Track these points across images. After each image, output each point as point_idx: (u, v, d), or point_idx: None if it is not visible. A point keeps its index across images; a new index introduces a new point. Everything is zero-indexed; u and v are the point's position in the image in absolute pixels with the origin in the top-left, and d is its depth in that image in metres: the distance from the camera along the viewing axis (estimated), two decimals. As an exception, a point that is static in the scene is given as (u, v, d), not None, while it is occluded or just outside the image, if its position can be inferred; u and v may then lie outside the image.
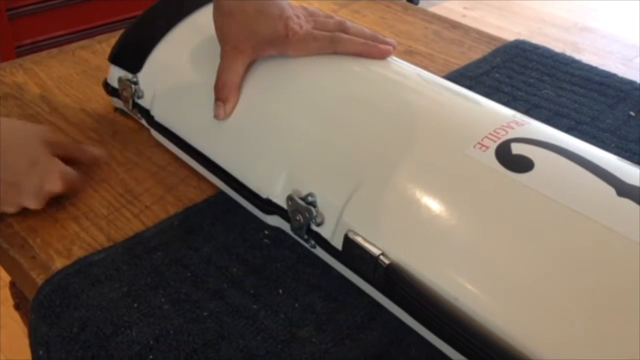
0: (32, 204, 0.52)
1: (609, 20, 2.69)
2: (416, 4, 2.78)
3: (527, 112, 0.70)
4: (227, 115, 0.55)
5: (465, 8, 2.83)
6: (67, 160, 0.55)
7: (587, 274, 0.38)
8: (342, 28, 0.57)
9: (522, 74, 0.77)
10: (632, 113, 0.70)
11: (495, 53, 0.82)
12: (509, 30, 2.63)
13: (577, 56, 0.84)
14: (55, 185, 0.52)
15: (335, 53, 0.56)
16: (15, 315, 0.83)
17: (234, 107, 0.55)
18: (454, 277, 0.41)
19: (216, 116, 0.55)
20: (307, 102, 0.52)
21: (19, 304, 0.79)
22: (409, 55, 0.82)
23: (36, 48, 1.58)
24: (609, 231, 0.38)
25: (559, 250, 0.39)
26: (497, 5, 2.85)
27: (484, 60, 0.80)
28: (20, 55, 1.56)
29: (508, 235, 0.41)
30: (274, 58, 0.56)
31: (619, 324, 0.36)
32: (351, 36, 0.56)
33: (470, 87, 0.73)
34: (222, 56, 0.55)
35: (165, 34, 0.62)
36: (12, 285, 0.78)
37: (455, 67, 0.79)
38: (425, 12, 0.94)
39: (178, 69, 0.60)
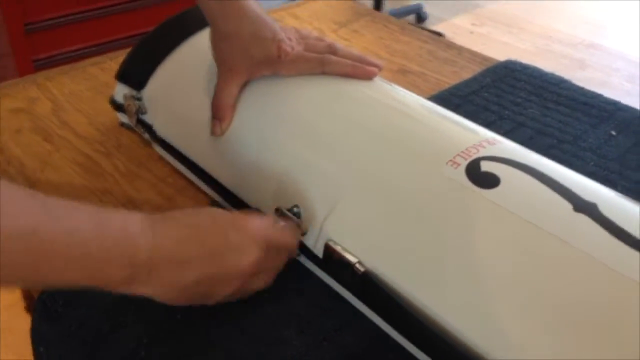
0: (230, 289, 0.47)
1: (616, 38, 2.71)
2: (423, 20, 2.83)
3: (512, 130, 0.73)
4: (223, 133, 0.58)
5: (473, 24, 2.87)
6: None
7: (540, 283, 0.41)
8: (332, 50, 0.61)
9: (510, 93, 0.81)
10: (613, 133, 0.73)
11: (485, 73, 0.86)
12: (515, 46, 2.66)
13: (583, 73, 0.87)
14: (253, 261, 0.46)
15: (324, 73, 0.60)
16: (24, 318, 0.87)
17: (229, 125, 0.58)
18: (423, 286, 0.44)
19: (213, 133, 0.59)
20: (293, 123, 0.56)
21: (30, 306, 0.83)
22: (402, 74, 0.86)
23: (53, 62, 1.64)
24: (563, 244, 0.42)
25: (517, 262, 0.42)
26: (504, 22, 2.88)
27: (474, 79, 0.84)
28: (37, 68, 1.62)
29: (473, 248, 0.44)
30: (267, 79, 0.59)
31: (568, 327, 0.39)
32: (339, 58, 0.60)
33: (458, 106, 0.77)
34: (219, 77, 0.59)
35: (168, 55, 0.66)
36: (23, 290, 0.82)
37: (446, 86, 0.83)
38: (421, 33, 0.98)
39: (179, 87, 0.64)
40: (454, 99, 0.79)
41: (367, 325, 0.48)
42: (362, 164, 0.51)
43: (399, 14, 2.78)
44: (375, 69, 0.60)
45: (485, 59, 0.91)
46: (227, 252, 0.44)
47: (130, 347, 0.46)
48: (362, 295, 0.48)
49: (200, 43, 0.65)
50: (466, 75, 0.86)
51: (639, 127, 0.74)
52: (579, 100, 0.79)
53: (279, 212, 0.52)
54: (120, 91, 0.69)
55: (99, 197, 0.61)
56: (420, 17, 2.86)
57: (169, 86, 0.65)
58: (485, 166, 0.48)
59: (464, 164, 0.48)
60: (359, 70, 0.60)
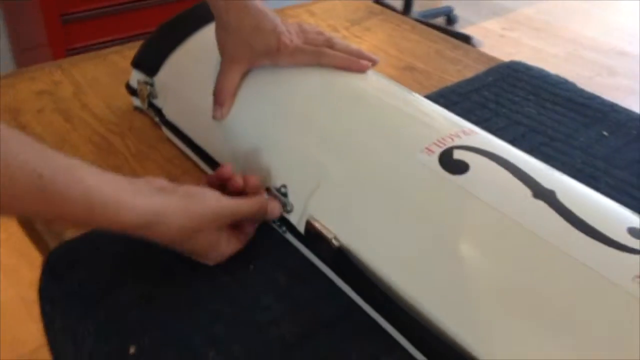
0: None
1: (647, 46, 2.68)
2: (453, 22, 2.84)
3: (506, 127, 0.76)
4: (223, 117, 0.63)
5: (503, 29, 2.87)
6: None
7: (494, 263, 0.44)
8: (329, 44, 0.65)
9: (510, 92, 0.83)
10: (605, 133, 0.76)
11: (488, 72, 0.88)
12: (545, 51, 2.66)
13: (612, 80, 0.88)
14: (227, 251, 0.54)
15: (321, 65, 0.63)
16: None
17: (229, 110, 0.63)
18: (391, 262, 0.48)
19: (214, 117, 0.63)
20: (285, 111, 0.60)
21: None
22: (408, 70, 0.89)
23: (86, 52, 1.71)
24: (519, 227, 0.45)
25: (476, 243, 0.46)
26: (535, 27, 2.87)
27: (476, 78, 0.87)
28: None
29: (437, 229, 0.47)
30: (266, 69, 0.64)
31: (517, 302, 0.42)
32: (335, 52, 0.64)
33: (457, 102, 0.80)
34: (221, 66, 0.63)
35: (178, 45, 0.71)
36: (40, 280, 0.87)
37: (449, 83, 0.86)
38: (431, 33, 1.01)
39: (187, 75, 0.69)
40: (454, 96, 0.82)
41: (341, 297, 0.52)
42: (344, 149, 0.54)
43: (428, 16, 2.80)
44: (368, 63, 0.64)
45: (490, 59, 0.93)
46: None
47: (125, 305, 0.51)
48: (336, 268, 0.52)
49: (207, 35, 0.70)
50: (470, 74, 0.89)
51: (631, 129, 0.76)
52: (576, 101, 0.81)
53: (268, 191, 0.57)
54: (135, 77, 0.74)
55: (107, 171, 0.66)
56: (450, 20, 2.88)
57: (178, 73, 0.70)
58: (458, 154, 0.51)
59: (438, 151, 0.51)
60: (352, 64, 0.63)
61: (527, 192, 0.47)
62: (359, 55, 0.65)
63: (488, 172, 0.49)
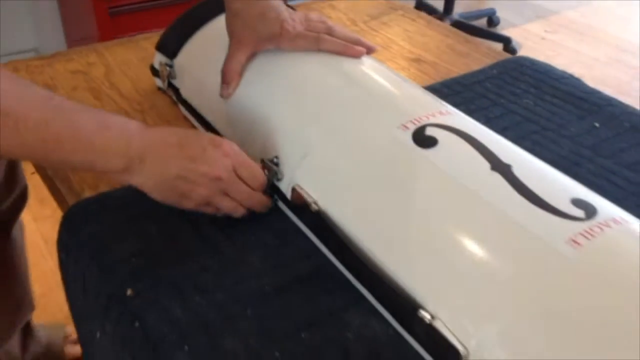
0: (203, 191, 0.58)
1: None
2: (495, 24, 2.84)
3: (502, 115, 0.80)
4: (230, 95, 0.69)
5: (545, 31, 2.85)
6: None
7: (451, 227, 0.49)
8: (329, 31, 0.70)
9: (512, 84, 0.87)
10: (597, 124, 0.79)
11: (494, 65, 0.92)
12: (586, 54, 2.64)
13: None
14: (221, 171, 0.57)
15: (320, 50, 0.69)
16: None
17: (235, 89, 0.69)
18: (360, 224, 0.53)
19: (221, 95, 0.69)
20: (279, 90, 0.66)
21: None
22: (417, 62, 0.94)
23: (129, 10, 1.79)
24: (474, 195, 0.49)
25: (436, 208, 0.50)
26: (578, 30, 2.85)
27: (481, 71, 0.91)
28: (112, 16, 1.77)
29: (403, 195, 0.52)
30: (268, 52, 0.69)
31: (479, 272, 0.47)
32: (333, 38, 0.69)
33: (459, 92, 0.85)
34: (229, 48, 0.70)
35: (196, 31, 0.78)
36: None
37: (454, 75, 0.90)
38: (445, 27, 1.05)
39: (201, 58, 0.75)
40: (457, 86, 0.86)
41: (317, 256, 0.58)
42: (329, 125, 0.60)
43: (470, 17, 2.81)
44: (362, 49, 0.69)
45: (499, 54, 0.97)
46: (201, 160, 0.56)
47: (126, 255, 0.58)
48: (314, 230, 0.57)
49: (220, 23, 0.76)
50: (477, 67, 0.92)
51: (624, 121, 0.79)
52: (574, 95, 0.84)
53: (263, 162, 0.62)
54: (158, 59, 0.81)
55: (127, 143, 0.73)
56: (492, 22, 2.88)
57: (194, 57, 0.76)
58: (429, 131, 0.56)
59: (413, 128, 0.56)
60: (348, 49, 0.68)
61: (487, 165, 0.51)
62: (356, 43, 0.70)
63: (454, 147, 0.54)
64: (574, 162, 0.71)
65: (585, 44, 2.74)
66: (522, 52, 2.67)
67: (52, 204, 0.74)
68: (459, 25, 2.69)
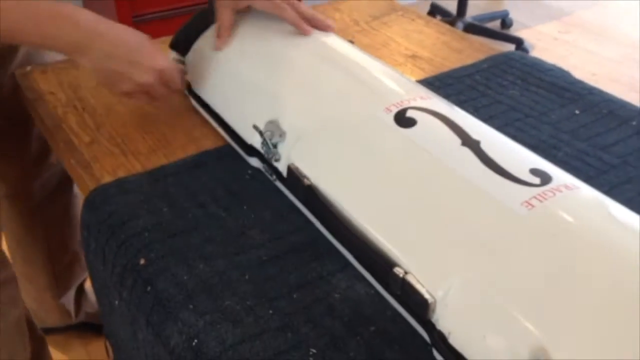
0: (142, 77, 0.74)
1: None
2: (509, 26, 2.88)
3: (489, 105, 0.86)
4: (223, 47, 0.80)
5: (559, 32, 2.89)
6: None
7: (418, 194, 0.55)
8: (293, 5, 0.79)
9: (500, 77, 0.93)
10: (577, 112, 0.84)
11: (486, 60, 0.98)
12: (599, 54, 2.67)
13: None
14: (160, 63, 0.75)
15: (280, 17, 0.79)
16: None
17: (227, 41, 0.80)
18: (346, 196, 0.60)
19: (216, 48, 0.80)
20: (272, 79, 0.73)
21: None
22: (413, 58, 1.00)
23: (152, 18, 1.87)
24: (445, 167, 0.55)
25: (413, 179, 0.57)
26: (591, 30, 2.88)
27: (473, 65, 0.96)
28: (136, 24, 1.85)
29: (384, 168, 0.59)
30: (268, 43, 0.77)
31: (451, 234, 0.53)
32: (292, 12, 0.78)
33: (450, 84, 0.91)
34: (216, 8, 0.81)
35: (203, 31, 0.85)
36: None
37: (447, 69, 0.96)
38: (442, 26, 1.11)
39: (206, 55, 0.83)
40: (448, 79, 0.92)
41: (310, 229, 0.64)
42: (321, 109, 0.66)
43: (483, 19, 2.86)
44: (310, 29, 0.78)
45: (491, 49, 1.03)
46: (134, 65, 0.72)
47: (139, 230, 0.65)
48: (307, 203, 0.64)
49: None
50: (470, 62, 0.98)
51: (602, 108, 0.84)
52: (558, 85, 0.90)
53: (264, 144, 0.69)
54: (171, 57, 0.88)
55: (142, 135, 0.80)
56: (505, 23, 2.92)
57: (201, 54, 0.84)
58: (410, 113, 0.62)
59: (395, 110, 0.63)
60: (300, 25, 0.78)
61: (458, 141, 0.58)
62: (311, 20, 0.79)
63: (430, 126, 0.60)
64: (553, 146, 0.77)
65: (598, 43, 2.77)
66: (534, 53, 2.71)
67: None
68: (472, 27, 2.74)
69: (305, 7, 0.80)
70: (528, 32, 2.87)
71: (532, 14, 3.05)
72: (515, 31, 2.88)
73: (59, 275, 1.15)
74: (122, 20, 1.84)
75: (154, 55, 0.74)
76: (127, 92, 0.75)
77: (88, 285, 1.26)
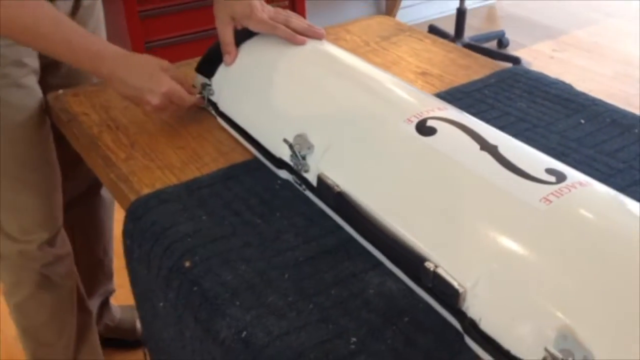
0: (153, 99, 0.84)
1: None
2: (505, 46, 2.96)
3: (499, 117, 0.91)
4: (232, 62, 0.89)
5: (554, 50, 2.97)
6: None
7: (443, 195, 0.60)
8: (287, 22, 0.88)
9: (507, 91, 0.98)
10: (582, 121, 0.89)
11: (492, 75, 1.03)
12: (594, 71, 2.74)
13: None
14: (165, 87, 0.84)
15: (275, 35, 0.88)
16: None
17: (235, 57, 0.89)
18: (376, 199, 0.65)
19: (225, 63, 0.88)
20: (298, 96, 0.78)
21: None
22: (423, 75, 1.06)
23: (162, 45, 1.94)
24: (465, 170, 0.61)
25: (436, 183, 0.62)
26: (585, 48, 2.96)
27: (480, 80, 1.02)
28: (147, 50, 1.91)
29: (409, 173, 0.64)
30: (287, 64, 0.82)
31: (468, 230, 0.58)
32: (284, 28, 0.87)
33: (460, 99, 0.96)
34: (218, 27, 0.90)
35: (228, 53, 0.91)
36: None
37: (457, 84, 1.01)
38: (448, 45, 1.17)
39: (232, 77, 0.88)
40: (458, 93, 0.98)
41: (341, 232, 0.69)
42: (347, 124, 0.72)
43: (480, 39, 2.94)
44: (304, 39, 0.87)
45: (496, 65, 1.08)
46: (146, 92, 0.84)
47: (182, 235, 0.69)
48: (337, 209, 0.69)
49: (247, 48, 0.90)
50: (476, 77, 1.04)
51: (606, 118, 0.89)
52: (562, 97, 0.95)
53: (293, 158, 0.74)
54: (198, 80, 0.94)
55: (174, 150, 0.86)
56: (502, 43, 3.00)
57: (225, 76, 0.89)
58: (430, 122, 0.67)
59: (416, 121, 0.68)
60: (294, 38, 0.87)
61: (477, 146, 0.63)
62: (305, 32, 0.88)
63: (450, 134, 0.65)
64: (562, 153, 0.82)
65: (593, 61, 2.85)
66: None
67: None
68: (470, 48, 2.81)
69: (297, 21, 0.90)
70: (524, 51, 2.94)
71: (527, 34, 3.13)
72: (512, 50, 2.95)
73: (81, 279, 1.20)
74: (134, 45, 1.90)
75: (159, 81, 0.85)
76: (150, 111, 0.87)
77: (113, 299, 1.31)
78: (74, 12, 0.99)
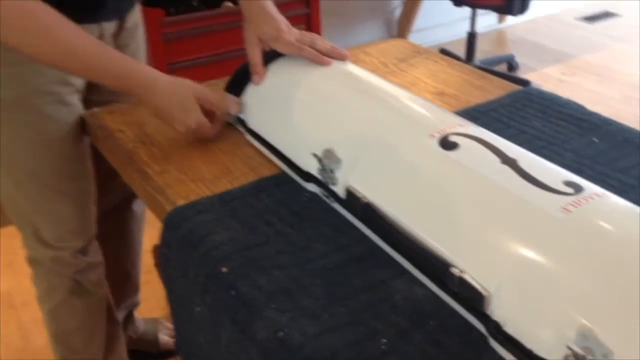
0: (180, 129, 0.91)
1: None
2: (515, 69, 3.01)
3: (515, 135, 0.95)
4: (261, 82, 0.93)
5: (563, 74, 3.02)
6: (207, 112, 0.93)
7: (473, 206, 0.64)
8: (312, 44, 0.93)
9: (522, 110, 1.02)
10: (595, 140, 0.93)
11: (507, 96, 1.08)
12: (603, 94, 2.79)
13: None
14: (193, 123, 0.90)
15: (302, 56, 0.92)
16: (155, 272, 1.15)
17: (263, 77, 0.93)
18: (402, 209, 0.69)
19: (254, 83, 0.93)
20: (325, 113, 0.83)
21: (159, 262, 1.12)
22: (440, 95, 1.10)
23: (184, 66, 2.01)
24: (487, 181, 0.65)
25: (459, 192, 0.66)
26: (595, 72, 3.00)
27: (496, 100, 1.06)
28: (169, 71, 1.97)
29: (433, 185, 0.68)
30: (316, 82, 0.87)
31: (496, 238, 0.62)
32: (310, 49, 0.92)
33: (477, 118, 1.00)
34: (247, 47, 0.95)
35: (257, 73, 0.96)
36: (155, 248, 1.12)
37: (473, 104, 1.06)
38: (463, 67, 1.22)
39: (260, 95, 0.93)
40: (474, 113, 1.02)
41: (367, 242, 0.73)
42: (373, 137, 0.76)
43: (490, 62, 2.99)
44: (330, 60, 0.92)
45: (510, 86, 1.13)
46: (175, 120, 0.91)
47: (217, 244, 0.73)
48: (364, 219, 0.73)
49: (275, 68, 0.94)
50: (492, 97, 1.08)
51: (618, 136, 0.93)
52: (575, 116, 0.99)
53: (321, 172, 0.79)
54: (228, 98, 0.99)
55: (206, 165, 0.90)
56: (512, 67, 3.06)
57: (255, 94, 0.94)
58: (452, 138, 0.72)
59: (439, 136, 0.72)
60: (319, 59, 0.92)
61: (497, 160, 0.67)
62: (330, 53, 0.93)
63: (471, 148, 0.70)
64: (576, 170, 0.85)
65: (602, 85, 2.89)
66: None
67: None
68: (480, 70, 2.87)
69: (321, 43, 0.95)
70: (534, 75, 2.99)
71: (536, 58, 3.18)
72: (522, 74, 3.00)
73: (110, 290, 1.24)
74: (157, 66, 1.96)
75: (188, 115, 0.91)
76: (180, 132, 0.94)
77: (137, 312, 1.35)
78: (117, 34, 1.04)
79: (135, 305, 1.36)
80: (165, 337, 1.40)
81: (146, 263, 1.47)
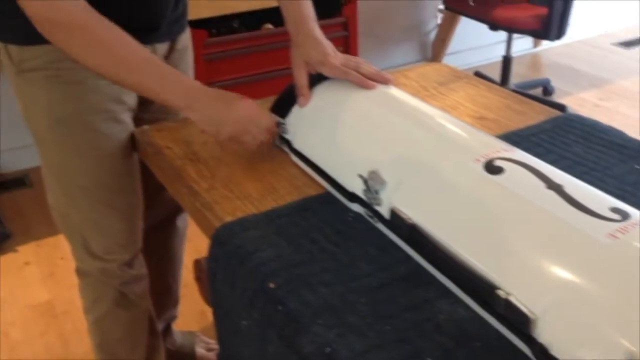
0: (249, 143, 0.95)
1: None
2: (550, 93, 3.01)
3: (556, 160, 0.96)
4: (307, 103, 0.96)
5: (599, 99, 3.00)
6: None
7: (517, 229, 0.65)
8: (357, 68, 0.95)
9: (563, 136, 1.03)
10: (637, 167, 0.94)
11: (548, 121, 1.09)
12: (637, 119, 2.76)
13: None
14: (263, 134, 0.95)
15: (347, 79, 0.95)
16: (194, 286, 1.18)
17: (309, 98, 0.96)
18: (449, 233, 0.70)
19: (299, 105, 0.96)
20: (370, 135, 0.85)
21: (199, 276, 1.15)
22: (480, 119, 1.11)
23: (224, 85, 2.05)
24: (533, 206, 0.66)
25: (505, 217, 0.67)
26: (631, 97, 2.98)
27: (536, 125, 1.07)
28: None
29: (479, 209, 0.69)
30: (363, 107, 0.89)
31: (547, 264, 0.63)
32: (355, 73, 0.95)
33: (518, 142, 1.01)
34: (294, 70, 0.98)
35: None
36: (196, 262, 1.15)
37: (513, 129, 1.07)
38: (502, 91, 1.23)
39: (305, 117, 0.96)
40: (515, 137, 1.03)
41: (411, 262, 0.74)
42: (419, 160, 0.78)
43: (525, 86, 2.99)
44: (374, 84, 0.94)
45: (551, 112, 1.14)
46: (231, 121, 0.92)
47: (264, 260, 0.76)
48: (409, 240, 0.74)
49: (319, 90, 0.97)
50: (532, 122, 1.09)
51: (660, 164, 0.94)
52: (617, 143, 1.00)
53: (366, 187, 0.80)
54: (273, 119, 1.02)
55: (252, 183, 0.93)
56: (547, 91, 3.05)
57: (301, 117, 0.97)
58: (497, 162, 0.73)
59: (484, 160, 0.74)
60: (364, 82, 0.94)
61: (543, 185, 0.68)
62: (375, 77, 0.95)
63: (517, 173, 0.71)
64: (619, 196, 0.85)
65: (637, 109, 2.87)
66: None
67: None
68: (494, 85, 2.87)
69: (366, 67, 0.97)
70: (569, 99, 2.98)
71: (572, 82, 3.17)
72: (557, 98, 2.99)
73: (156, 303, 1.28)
74: (195, 57, 2.01)
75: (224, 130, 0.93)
76: (222, 141, 0.96)
77: (175, 325, 1.38)
78: (167, 55, 1.08)
79: (173, 318, 1.39)
80: (202, 350, 1.43)
81: (183, 277, 1.51)
